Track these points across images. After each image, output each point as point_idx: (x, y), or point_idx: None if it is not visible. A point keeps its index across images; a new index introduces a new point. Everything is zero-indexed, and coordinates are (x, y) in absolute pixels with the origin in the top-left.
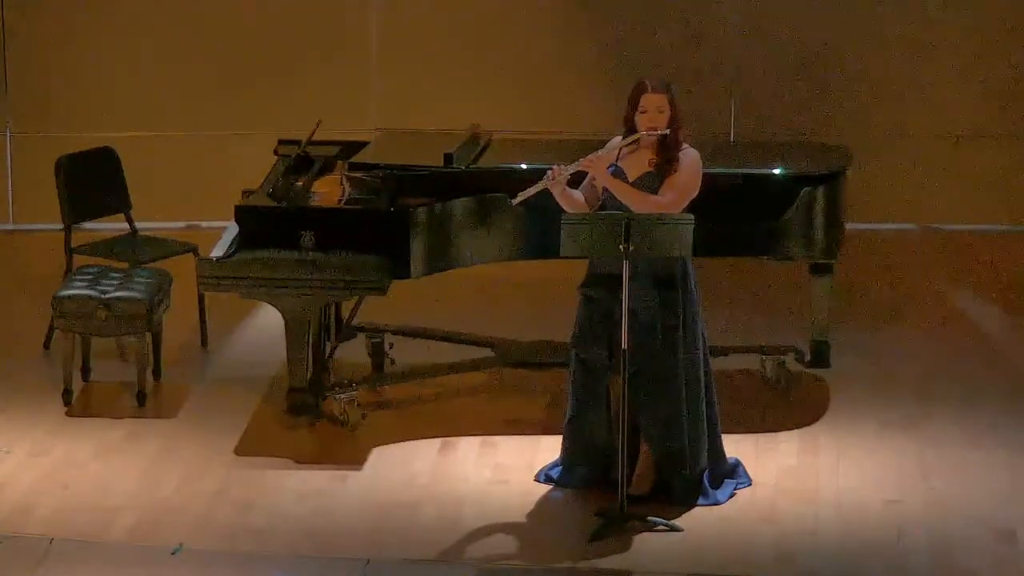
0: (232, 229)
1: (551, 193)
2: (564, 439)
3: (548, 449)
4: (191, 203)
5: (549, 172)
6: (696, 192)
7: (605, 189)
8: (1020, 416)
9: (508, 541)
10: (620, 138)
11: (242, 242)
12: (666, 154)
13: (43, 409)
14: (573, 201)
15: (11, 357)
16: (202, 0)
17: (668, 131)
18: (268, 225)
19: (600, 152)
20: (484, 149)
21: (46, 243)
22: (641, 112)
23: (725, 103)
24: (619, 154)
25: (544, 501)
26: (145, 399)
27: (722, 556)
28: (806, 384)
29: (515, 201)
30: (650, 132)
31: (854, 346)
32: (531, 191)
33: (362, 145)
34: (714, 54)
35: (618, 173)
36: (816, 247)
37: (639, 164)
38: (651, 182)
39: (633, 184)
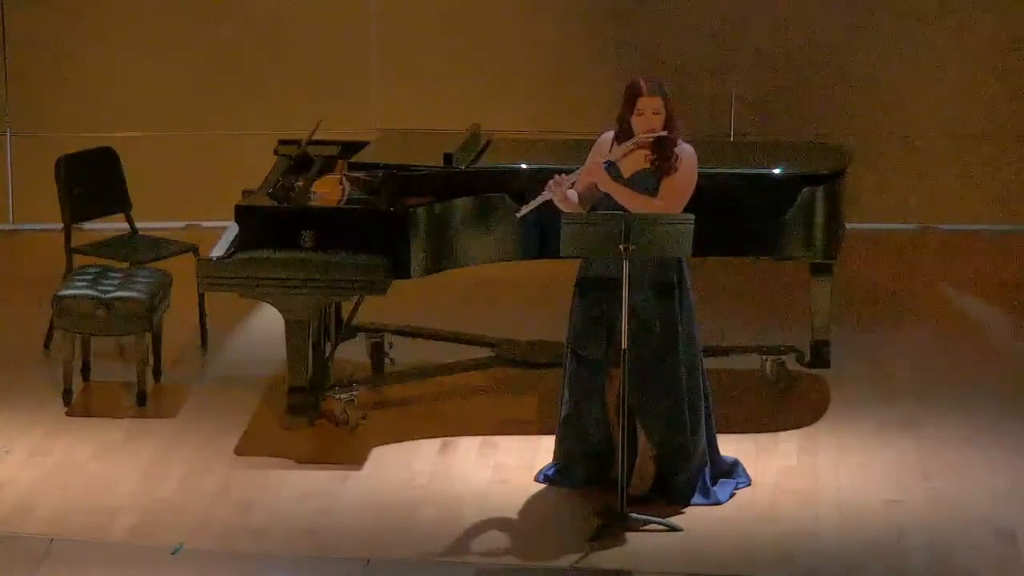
0: (232, 229)
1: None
2: (559, 437)
3: (548, 449)
4: (191, 203)
5: (550, 183)
6: (693, 189)
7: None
8: (1020, 416)
9: (508, 541)
10: (611, 134)
11: (242, 242)
12: (663, 153)
13: (43, 409)
14: (570, 204)
15: (11, 357)
16: (202, 0)
17: (665, 132)
18: (268, 225)
19: (599, 159)
20: (484, 149)
21: (46, 243)
22: (638, 115)
23: (725, 103)
24: (619, 157)
25: (544, 501)
26: (145, 399)
27: (722, 556)
28: (806, 384)
29: (519, 214)
30: (648, 135)
31: (854, 346)
32: (534, 203)
33: (362, 145)
34: (714, 54)
35: (612, 170)
36: (816, 247)
37: (635, 161)
38: (647, 179)
39: (629, 180)
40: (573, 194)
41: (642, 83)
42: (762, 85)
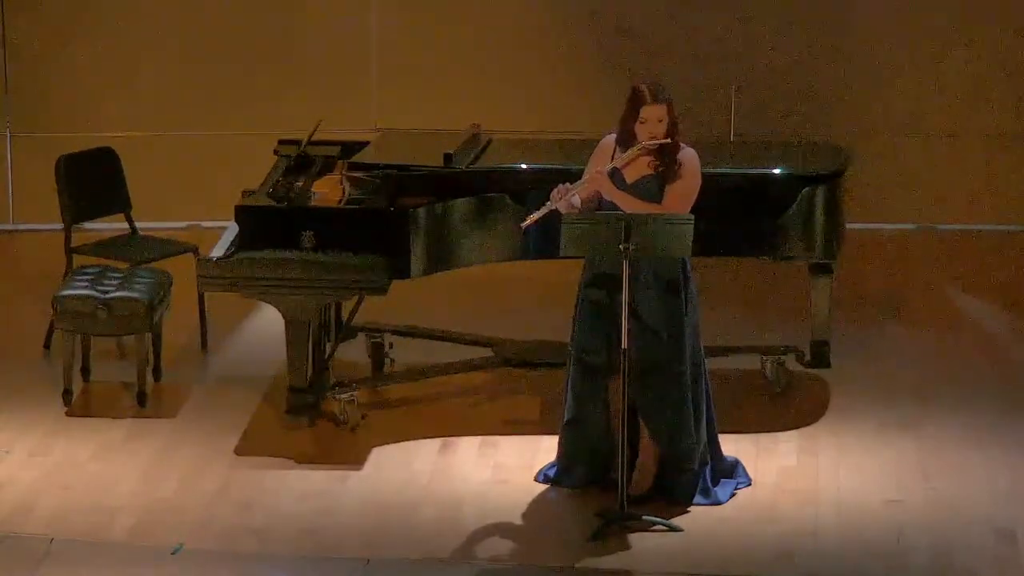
0: (232, 229)
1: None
2: (561, 440)
3: (548, 449)
4: (191, 203)
5: (554, 193)
6: (697, 193)
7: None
8: (1020, 416)
9: (508, 541)
10: (612, 137)
11: (242, 242)
12: (667, 159)
13: (43, 409)
14: (571, 208)
15: (11, 357)
16: (202, 0)
17: (670, 139)
18: (268, 225)
19: (602, 168)
20: (484, 149)
21: (46, 243)
22: (641, 123)
23: (725, 103)
24: (623, 164)
25: (544, 501)
26: (145, 399)
27: (722, 556)
28: (806, 384)
29: (524, 225)
30: (652, 142)
31: (854, 346)
32: (539, 214)
33: (362, 145)
34: (714, 54)
35: (616, 176)
36: (816, 247)
37: (638, 167)
38: (650, 184)
39: (632, 186)
40: (577, 200)
41: (646, 92)
42: (762, 85)
